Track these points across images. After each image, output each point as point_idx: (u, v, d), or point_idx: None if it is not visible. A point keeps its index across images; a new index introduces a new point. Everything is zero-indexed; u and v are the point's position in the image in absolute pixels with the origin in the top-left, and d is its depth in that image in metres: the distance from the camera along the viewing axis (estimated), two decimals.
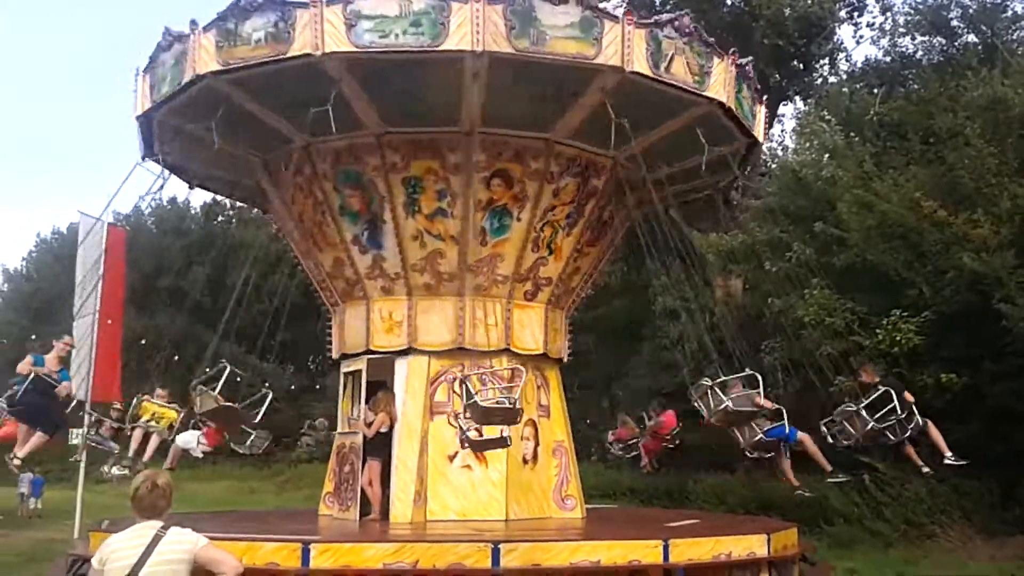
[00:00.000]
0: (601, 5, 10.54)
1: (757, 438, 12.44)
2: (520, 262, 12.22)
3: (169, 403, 13.42)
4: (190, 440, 13.50)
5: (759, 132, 12.63)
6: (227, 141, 11.08)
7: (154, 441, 13.25)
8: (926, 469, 12.55)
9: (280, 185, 12.82)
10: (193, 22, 10.43)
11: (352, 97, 10.59)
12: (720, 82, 11.11)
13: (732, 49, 11.41)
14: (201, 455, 13.91)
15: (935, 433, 12.14)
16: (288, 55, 9.87)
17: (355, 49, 9.74)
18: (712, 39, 11.18)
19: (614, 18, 10.19)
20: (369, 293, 12.37)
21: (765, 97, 13.11)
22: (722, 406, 11.23)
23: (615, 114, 10.44)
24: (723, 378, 11.58)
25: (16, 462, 12.36)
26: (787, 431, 12.60)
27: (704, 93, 11.00)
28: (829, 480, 13.63)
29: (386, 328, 12.26)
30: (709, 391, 11.39)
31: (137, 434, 13.27)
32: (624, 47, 10.07)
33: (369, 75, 10.25)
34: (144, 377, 16.39)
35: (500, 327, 12.15)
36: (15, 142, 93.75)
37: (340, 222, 12.23)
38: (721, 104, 11.19)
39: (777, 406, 12.53)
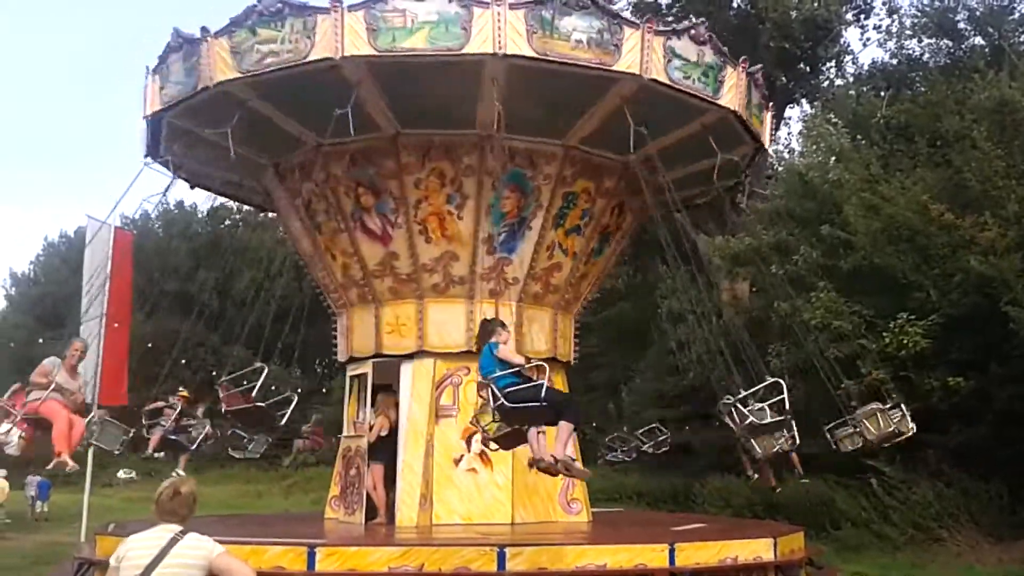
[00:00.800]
0: (615, 7, 10.60)
1: (748, 422, 11.27)
2: (531, 266, 12.25)
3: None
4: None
5: (766, 138, 12.71)
6: (239, 143, 11.08)
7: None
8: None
9: (290, 188, 12.81)
10: (204, 28, 10.43)
11: (369, 101, 10.59)
12: (733, 90, 11.20)
13: (743, 57, 11.48)
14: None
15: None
16: (308, 59, 9.89)
17: (376, 53, 9.77)
18: (726, 48, 11.26)
19: (634, 24, 10.24)
20: (378, 296, 12.37)
21: (771, 103, 13.16)
22: (747, 421, 10.87)
23: (632, 120, 10.50)
24: (743, 393, 11.01)
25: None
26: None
27: (718, 101, 11.10)
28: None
29: (394, 331, 12.27)
30: (733, 408, 11.05)
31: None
32: (643, 54, 10.12)
33: (388, 79, 10.27)
34: (152, 380, 16.41)
35: (510, 330, 12.15)
36: (23, 145, 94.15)
37: (351, 224, 12.22)
38: (734, 112, 11.29)
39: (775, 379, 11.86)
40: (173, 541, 4.92)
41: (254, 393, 10.85)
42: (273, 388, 10.59)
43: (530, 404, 8.48)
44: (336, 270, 12.90)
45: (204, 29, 10.44)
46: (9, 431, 10.09)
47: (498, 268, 12.13)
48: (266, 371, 11.05)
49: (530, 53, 9.77)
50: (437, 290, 12.13)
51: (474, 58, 9.83)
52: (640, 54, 10.11)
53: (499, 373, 8.56)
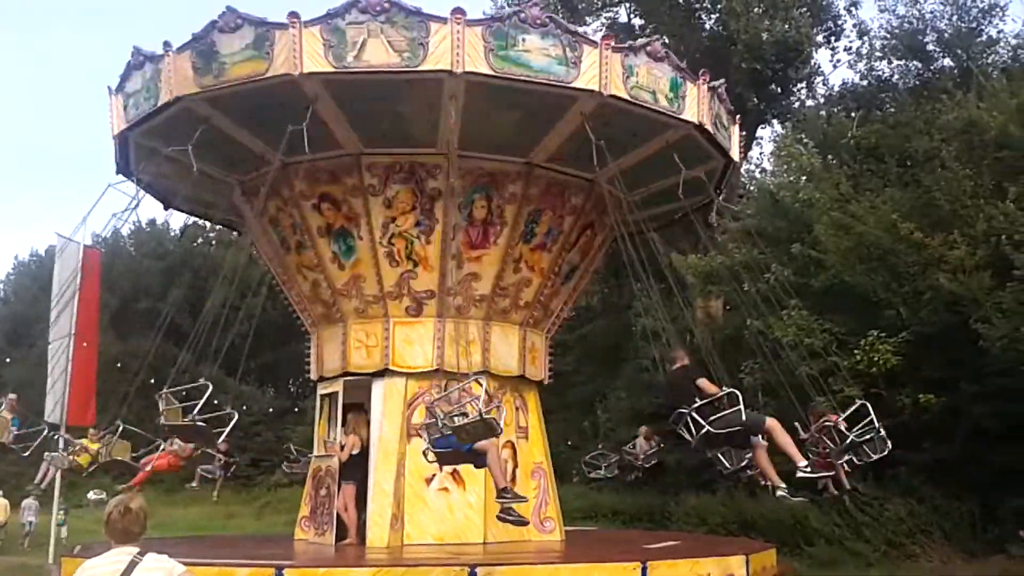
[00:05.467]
0: (582, 29, 10.63)
1: (704, 432, 10.51)
2: (498, 283, 12.20)
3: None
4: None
5: (735, 152, 12.74)
6: (204, 162, 11.06)
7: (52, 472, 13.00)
8: (782, 492, 11.69)
9: (257, 207, 12.73)
10: (167, 44, 10.39)
11: (329, 118, 10.57)
12: (695, 105, 11.19)
13: (702, 70, 11.50)
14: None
15: (784, 439, 10.46)
16: (267, 75, 9.85)
17: (334, 69, 9.74)
18: (684, 64, 11.28)
19: (592, 42, 10.25)
20: (346, 315, 12.32)
21: (739, 117, 13.23)
22: (703, 431, 10.76)
23: (594, 137, 10.47)
24: (699, 403, 11.07)
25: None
26: (745, 418, 11.22)
27: (681, 116, 11.09)
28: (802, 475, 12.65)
29: (362, 349, 12.20)
30: (689, 418, 10.92)
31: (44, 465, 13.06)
32: (602, 71, 10.12)
33: (347, 96, 10.25)
34: (121, 401, 16.20)
35: (478, 348, 12.10)
36: None
37: (318, 243, 12.20)
38: (698, 126, 11.28)
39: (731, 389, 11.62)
40: (132, 564, 4.77)
41: (195, 412, 10.72)
42: (215, 403, 10.44)
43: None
44: (305, 288, 12.83)
45: (166, 44, 10.38)
46: None
47: (465, 286, 12.07)
48: (210, 388, 10.92)
49: (487, 70, 9.76)
50: (405, 309, 12.08)
51: (431, 75, 9.80)
52: (599, 70, 10.11)
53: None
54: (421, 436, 11.10)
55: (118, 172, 12.53)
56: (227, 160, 11.98)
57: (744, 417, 9.70)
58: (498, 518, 9.72)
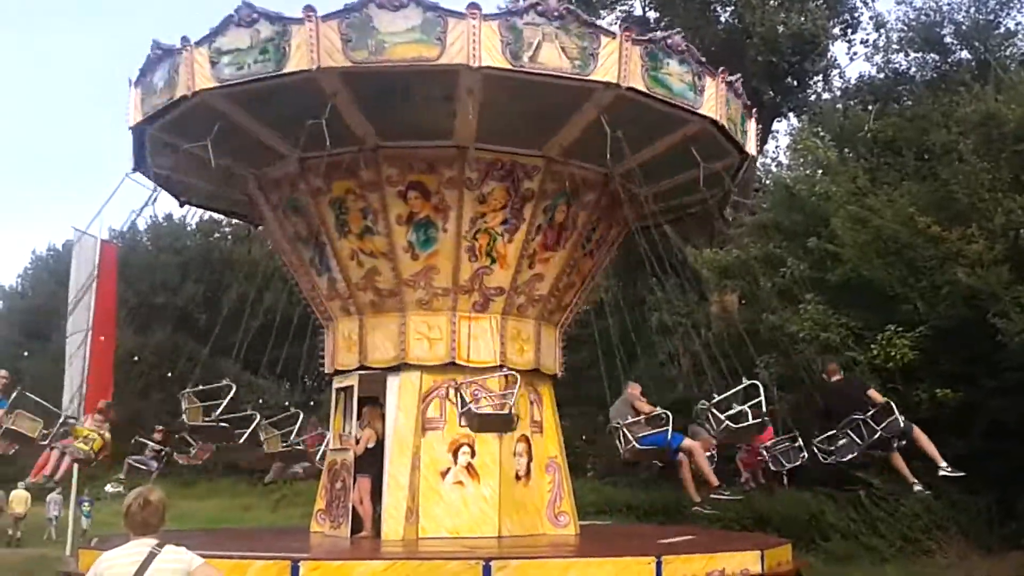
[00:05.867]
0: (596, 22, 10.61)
1: (630, 446, 11.63)
2: (514, 278, 12.20)
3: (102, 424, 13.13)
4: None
5: (751, 147, 12.67)
6: (221, 156, 11.01)
7: (66, 462, 12.92)
8: (918, 487, 12.13)
9: (273, 201, 12.78)
10: (184, 38, 10.40)
11: (461, 112, 10.51)
12: (713, 100, 11.16)
13: (721, 68, 11.47)
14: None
15: (927, 443, 11.71)
16: (284, 71, 9.85)
17: (351, 64, 9.73)
18: (704, 58, 11.23)
19: (611, 34, 10.22)
20: (405, 305, 12.26)
21: (755, 111, 13.13)
22: (723, 426, 10.85)
23: (610, 130, 10.45)
24: (718, 397, 11.14)
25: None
26: (668, 439, 11.72)
27: (698, 111, 11.05)
28: (713, 496, 12.54)
29: (424, 342, 12.17)
30: (709, 412, 11.03)
31: (55, 454, 13.00)
32: (621, 64, 10.10)
33: (496, 94, 10.20)
34: (139, 394, 16.32)
35: (494, 342, 12.13)
36: (12, 158, 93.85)
37: (394, 230, 12.03)
38: (714, 121, 11.26)
39: (663, 411, 11.81)
40: (151, 556, 4.81)
41: (218, 412, 10.81)
42: (243, 404, 10.53)
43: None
44: (321, 283, 12.85)
45: (184, 38, 10.37)
46: None
47: (480, 280, 12.08)
48: (234, 390, 11.00)
49: (504, 64, 9.72)
50: (420, 303, 12.08)
51: (449, 68, 9.77)
52: (618, 63, 10.07)
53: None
54: (620, 434, 11.75)
55: (134, 169, 12.56)
56: (245, 154, 11.91)
57: (901, 424, 11.29)
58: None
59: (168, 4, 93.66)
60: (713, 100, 11.15)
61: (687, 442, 11.83)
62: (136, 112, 11.50)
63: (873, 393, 11.59)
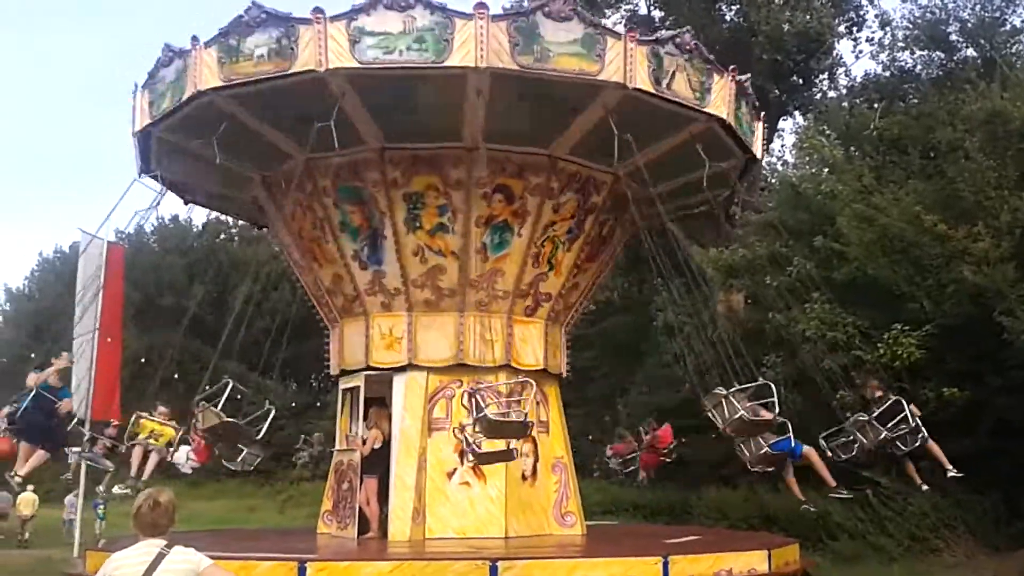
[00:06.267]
0: (601, 22, 10.65)
1: (763, 452, 12.14)
2: (520, 277, 12.22)
3: (168, 420, 13.26)
4: (179, 456, 13.34)
5: (758, 148, 12.70)
6: (227, 157, 11.08)
7: (153, 459, 13.07)
8: (925, 487, 12.39)
9: (279, 201, 12.80)
10: (194, 38, 10.42)
11: (354, 113, 10.58)
12: (720, 99, 11.21)
13: (731, 66, 11.50)
14: (190, 471, 13.67)
15: (936, 449, 12.05)
16: (291, 71, 9.87)
17: (359, 65, 9.75)
18: (712, 56, 11.27)
19: (616, 35, 10.26)
20: (368, 309, 12.33)
21: (763, 113, 13.23)
22: (737, 415, 10.93)
23: (617, 130, 10.49)
24: (738, 387, 11.29)
25: (17, 480, 12.27)
26: (792, 445, 12.30)
27: (705, 109, 11.10)
28: (832, 495, 13.31)
29: (386, 344, 12.23)
30: (724, 400, 11.10)
31: (137, 452, 13.08)
32: (627, 64, 10.12)
33: (371, 91, 10.24)
34: (145, 396, 16.33)
35: (501, 343, 12.15)
36: (18, 159, 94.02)
37: (340, 238, 12.23)
38: (721, 120, 11.29)
39: (781, 419, 12.31)
40: (160, 556, 4.83)
41: (219, 407, 10.84)
42: (242, 399, 10.54)
43: None
44: (326, 283, 12.87)
45: (194, 39, 10.41)
46: None
47: (488, 280, 12.08)
48: (230, 386, 11.03)
49: (512, 66, 9.77)
50: (427, 303, 12.09)
51: (604, 84, 10.05)
52: (624, 63, 10.11)
53: None
54: (742, 444, 12.13)
55: (141, 171, 12.59)
56: (250, 155, 11.96)
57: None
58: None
59: (168, 4, 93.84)
60: (721, 99, 11.34)
61: (807, 449, 12.31)
62: (143, 115, 11.50)
63: (913, 408, 12.06)
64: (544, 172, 11.89)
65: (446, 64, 9.76)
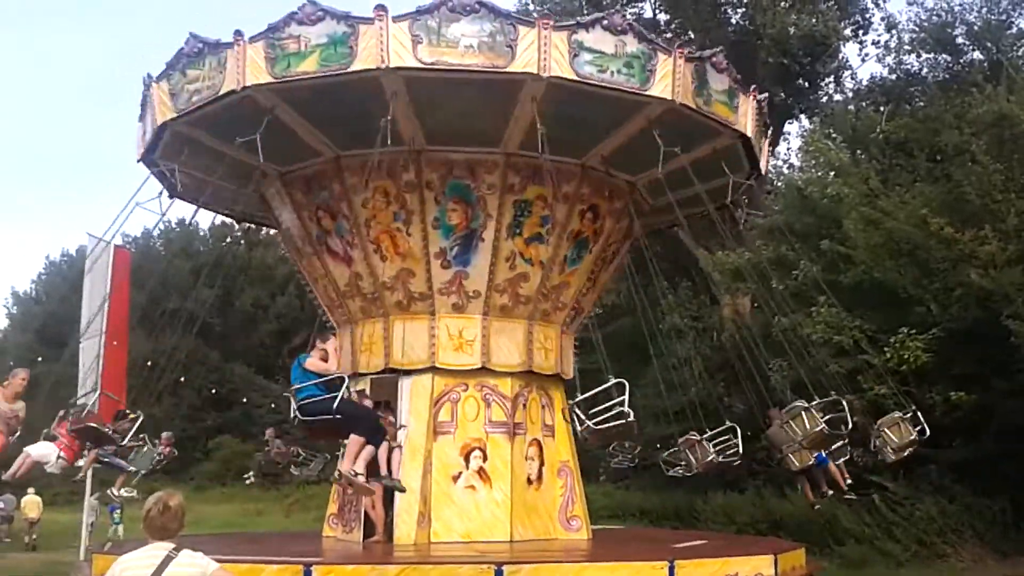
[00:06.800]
0: (653, 37, 10.77)
1: (809, 462, 12.78)
2: (491, 278, 12.17)
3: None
4: (47, 453, 12.97)
5: (764, 164, 12.96)
6: (247, 152, 10.87)
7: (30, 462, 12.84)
8: (817, 507, 13.73)
9: (296, 198, 12.64)
10: (238, 32, 10.24)
11: (499, 117, 10.62)
12: (745, 116, 11.33)
13: (753, 85, 11.65)
14: (59, 471, 13.35)
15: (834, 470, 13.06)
16: (350, 70, 9.75)
17: (422, 66, 9.66)
18: (740, 75, 11.43)
19: (666, 50, 10.34)
20: (437, 309, 12.24)
21: (770, 129, 13.44)
22: (819, 428, 11.32)
23: (656, 142, 10.62)
24: (819, 401, 11.69)
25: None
26: (824, 455, 13.04)
27: (734, 126, 11.26)
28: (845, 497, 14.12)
29: (455, 346, 12.14)
30: (803, 412, 11.45)
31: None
32: (674, 79, 10.24)
33: (423, 93, 10.20)
34: (152, 399, 16.36)
35: (521, 348, 12.20)
36: (24, 162, 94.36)
37: (561, 243, 12.35)
38: (744, 137, 11.48)
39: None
40: (167, 559, 4.86)
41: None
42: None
43: (322, 416, 9.68)
44: (322, 289, 12.92)
45: (238, 32, 10.13)
46: None
47: (456, 282, 12.07)
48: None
49: (571, 75, 9.81)
50: (503, 309, 12.14)
51: (652, 100, 10.28)
52: (672, 78, 10.24)
53: (299, 385, 9.82)
54: (791, 455, 12.59)
55: (146, 163, 12.43)
56: (274, 152, 11.73)
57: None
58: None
59: (168, 4, 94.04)
60: (747, 117, 11.56)
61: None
62: (164, 108, 11.12)
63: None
64: (575, 181, 12.06)
65: (508, 70, 9.80)
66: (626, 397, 10.47)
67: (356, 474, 9.63)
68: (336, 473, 9.20)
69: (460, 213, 11.80)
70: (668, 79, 10.21)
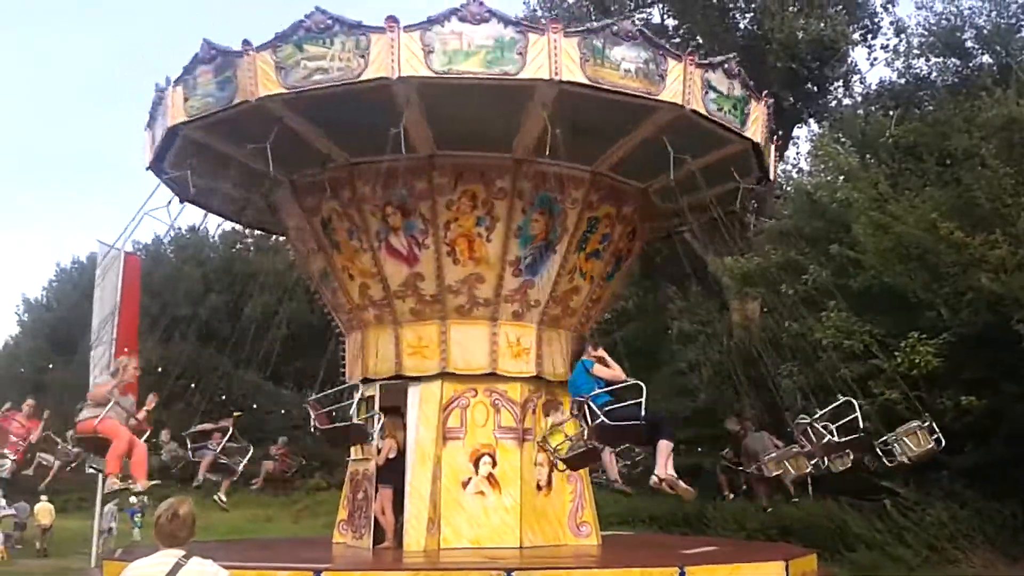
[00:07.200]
0: (664, 44, 10.88)
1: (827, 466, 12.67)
2: (553, 289, 12.28)
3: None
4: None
5: (772, 170, 13.00)
6: (258, 160, 10.94)
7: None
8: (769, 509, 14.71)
9: (307, 206, 12.67)
10: (246, 42, 10.29)
11: (411, 121, 10.57)
12: (756, 123, 11.38)
13: (765, 92, 11.71)
14: (8, 475, 13.18)
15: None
16: (362, 78, 9.81)
17: (433, 75, 9.75)
18: (752, 82, 11.49)
19: (677, 57, 10.38)
20: (399, 317, 12.27)
21: (777, 136, 13.50)
22: (929, 447, 11.44)
23: (664, 148, 10.77)
24: (919, 423, 11.68)
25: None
26: None
27: (744, 133, 11.29)
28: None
29: (416, 352, 12.21)
30: (918, 431, 11.49)
31: None
32: (685, 86, 10.32)
33: (434, 100, 10.29)
34: (161, 406, 16.38)
35: (532, 353, 12.23)
36: (34, 169, 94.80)
37: (510, 242, 12.24)
38: (755, 144, 11.52)
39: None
40: (177, 567, 4.86)
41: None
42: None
43: (629, 423, 9.06)
44: (352, 290, 12.78)
45: (246, 42, 10.18)
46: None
47: (522, 291, 12.15)
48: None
49: (582, 79, 9.91)
50: (461, 311, 12.10)
51: (528, 83, 9.99)
52: (683, 85, 10.35)
53: (597, 391, 9.29)
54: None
55: (154, 170, 12.47)
56: (281, 158, 11.73)
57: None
58: None
59: (168, 4, 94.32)
60: (757, 124, 11.70)
61: None
62: (177, 112, 11.16)
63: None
64: (584, 187, 12.23)
65: (519, 76, 9.93)
66: (858, 415, 11.03)
67: (677, 478, 9.28)
68: (654, 478, 9.03)
69: (542, 224, 12.06)
70: (679, 84, 10.38)
